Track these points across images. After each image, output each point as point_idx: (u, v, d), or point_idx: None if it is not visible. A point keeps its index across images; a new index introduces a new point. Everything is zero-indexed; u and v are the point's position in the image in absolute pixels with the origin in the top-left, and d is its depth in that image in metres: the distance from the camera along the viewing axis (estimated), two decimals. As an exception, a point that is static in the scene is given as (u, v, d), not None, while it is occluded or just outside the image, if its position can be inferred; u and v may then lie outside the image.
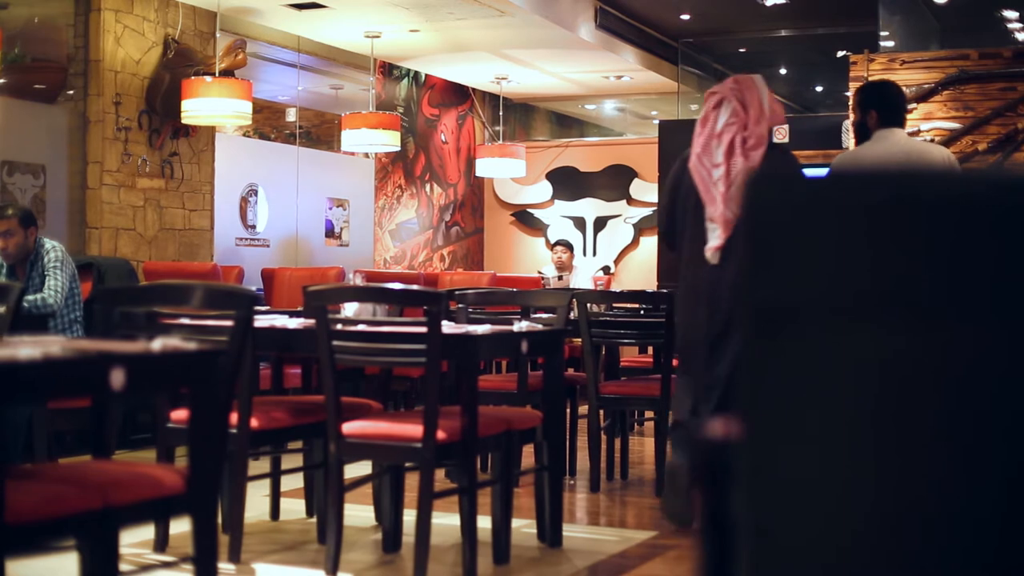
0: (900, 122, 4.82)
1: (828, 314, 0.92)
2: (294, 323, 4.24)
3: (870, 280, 0.90)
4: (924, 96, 7.84)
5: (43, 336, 3.19)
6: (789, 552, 0.93)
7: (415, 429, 3.64)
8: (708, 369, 4.34)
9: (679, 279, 4.65)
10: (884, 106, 4.76)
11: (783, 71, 12.87)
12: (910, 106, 7.89)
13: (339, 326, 3.90)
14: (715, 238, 4.35)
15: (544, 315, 5.84)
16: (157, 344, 2.56)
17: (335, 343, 3.75)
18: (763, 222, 0.98)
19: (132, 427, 6.50)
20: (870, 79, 6.62)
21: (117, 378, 2.33)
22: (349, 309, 4.29)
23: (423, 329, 3.62)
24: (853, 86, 8.12)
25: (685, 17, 10.61)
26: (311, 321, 4.08)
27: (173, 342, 2.68)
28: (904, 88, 7.93)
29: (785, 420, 0.93)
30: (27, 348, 2.33)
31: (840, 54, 10.79)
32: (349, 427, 3.75)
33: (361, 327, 3.93)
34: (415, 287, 4.29)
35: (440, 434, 3.62)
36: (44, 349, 2.31)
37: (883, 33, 9.12)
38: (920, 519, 0.88)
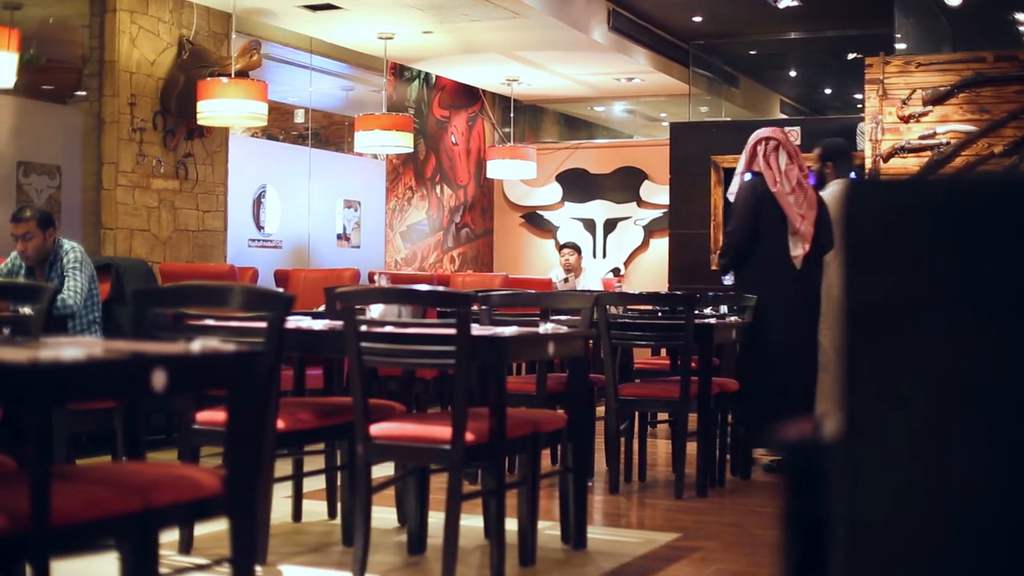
0: (849, 173, 6.36)
1: (928, 314, 0.91)
2: (319, 324, 4.24)
3: (969, 280, 0.90)
4: (940, 99, 7.84)
5: (77, 337, 3.19)
6: (886, 553, 0.93)
7: (443, 431, 3.64)
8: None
9: (760, 295, 5.75)
10: (839, 159, 6.19)
11: (793, 73, 12.87)
12: (926, 108, 7.89)
13: (364, 327, 3.90)
14: (798, 248, 5.80)
15: (562, 317, 5.83)
16: (196, 345, 2.56)
17: (363, 344, 3.74)
18: (862, 225, 0.98)
19: (147, 428, 6.50)
20: (826, 137, 7.16)
21: (159, 379, 2.32)
22: (374, 310, 4.28)
23: (452, 331, 3.61)
24: (868, 88, 8.12)
25: (697, 19, 10.61)
26: (336, 322, 4.08)
27: (212, 343, 2.68)
28: (920, 90, 7.96)
29: (884, 419, 0.93)
30: (69, 349, 2.32)
31: (851, 56, 10.79)
32: (376, 429, 3.74)
33: (389, 328, 3.93)
34: (442, 288, 4.29)
35: (468, 436, 3.62)
36: (87, 350, 2.31)
37: (895, 35, 9.11)
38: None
